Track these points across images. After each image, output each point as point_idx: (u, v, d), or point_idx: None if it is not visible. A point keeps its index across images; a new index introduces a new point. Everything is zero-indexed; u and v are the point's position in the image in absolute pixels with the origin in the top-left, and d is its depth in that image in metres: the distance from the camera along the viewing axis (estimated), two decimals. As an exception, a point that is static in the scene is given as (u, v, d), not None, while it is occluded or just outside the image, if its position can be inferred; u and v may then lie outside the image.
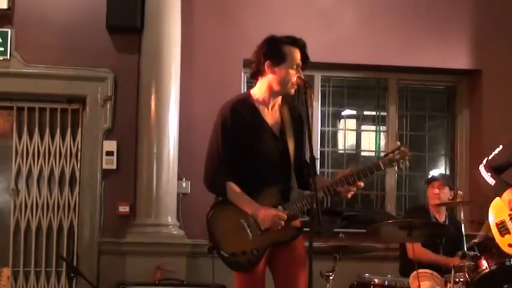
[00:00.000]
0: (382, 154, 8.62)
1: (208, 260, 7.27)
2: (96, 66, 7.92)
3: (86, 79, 7.91)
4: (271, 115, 4.71)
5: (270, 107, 4.71)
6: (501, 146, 5.61)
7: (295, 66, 4.58)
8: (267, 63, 4.63)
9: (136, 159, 7.75)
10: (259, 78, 4.70)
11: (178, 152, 7.74)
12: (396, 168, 4.63)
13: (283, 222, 4.52)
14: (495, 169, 5.59)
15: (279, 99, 4.73)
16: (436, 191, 7.11)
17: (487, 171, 5.59)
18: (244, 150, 4.61)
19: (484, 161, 5.65)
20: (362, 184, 4.59)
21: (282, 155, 4.63)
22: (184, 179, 7.85)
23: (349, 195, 4.60)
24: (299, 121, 4.73)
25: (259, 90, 4.71)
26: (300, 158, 4.71)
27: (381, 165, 4.59)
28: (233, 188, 4.58)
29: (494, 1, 8.56)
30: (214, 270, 7.04)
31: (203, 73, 8.06)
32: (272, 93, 4.67)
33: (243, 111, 4.66)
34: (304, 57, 4.64)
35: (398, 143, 4.66)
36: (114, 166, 7.84)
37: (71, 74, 7.89)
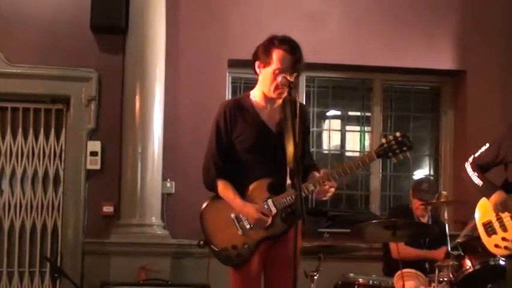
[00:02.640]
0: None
1: (192, 260, 7.37)
2: (81, 66, 7.90)
3: (70, 79, 7.88)
4: (269, 113, 4.72)
5: (268, 106, 4.71)
6: (488, 144, 5.62)
7: (277, 71, 4.55)
8: (257, 63, 4.68)
9: (120, 160, 7.73)
10: (258, 77, 4.74)
11: (163, 152, 7.71)
12: (393, 159, 4.58)
13: (269, 221, 4.54)
14: (481, 167, 5.60)
15: (280, 99, 4.69)
16: (420, 206, 7.08)
17: (474, 171, 5.59)
18: (238, 146, 4.66)
19: (470, 159, 5.65)
20: (333, 190, 4.59)
21: (278, 151, 4.59)
22: (168, 179, 7.84)
23: (325, 198, 4.62)
24: (303, 119, 4.66)
25: (256, 90, 4.76)
26: (304, 155, 4.67)
27: (374, 155, 4.57)
28: (223, 184, 4.66)
29: (478, 2, 8.59)
30: (199, 270, 7.09)
31: (188, 73, 8.05)
32: (265, 94, 4.69)
33: (238, 109, 4.70)
34: (297, 61, 4.59)
35: (398, 133, 4.58)
36: (98, 166, 7.82)
37: (55, 74, 7.85)
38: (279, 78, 4.52)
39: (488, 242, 5.55)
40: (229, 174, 4.68)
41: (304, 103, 8.37)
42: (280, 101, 4.69)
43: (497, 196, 5.43)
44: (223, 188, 4.66)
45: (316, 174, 4.68)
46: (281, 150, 4.58)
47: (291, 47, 4.59)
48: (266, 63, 4.60)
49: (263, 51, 4.63)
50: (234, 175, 4.67)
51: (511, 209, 5.40)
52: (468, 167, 5.63)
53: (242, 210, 4.60)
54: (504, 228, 5.43)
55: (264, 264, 4.75)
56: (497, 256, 6.06)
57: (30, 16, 7.86)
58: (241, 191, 4.65)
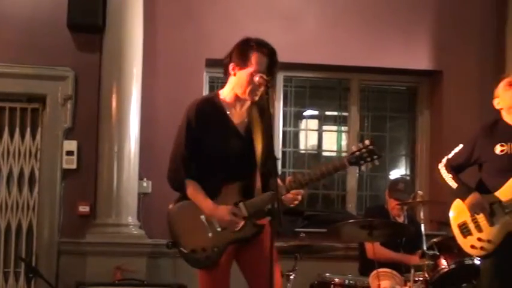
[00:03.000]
0: (343, 154, 8.68)
1: (168, 260, 7.35)
2: (57, 64, 7.85)
3: (46, 78, 7.84)
4: (238, 115, 4.71)
5: (237, 107, 4.71)
6: (461, 145, 5.64)
7: (254, 74, 4.55)
8: (231, 64, 4.64)
9: (96, 159, 7.70)
10: (228, 78, 4.72)
11: (140, 152, 7.70)
12: (363, 167, 4.59)
13: (240, 223, 4.54)
14: (455, 168, 5.61)
15: (247, 100, 4.71)
16: (396, 206, 7.12)
17: (448, 172, 5.60)
18: (208, 148, 4.63)
19: (444, 160, 5.66)
20: (300, 197, 4.61)
21: (246, 154, 4.63)
22: (145, 179, 7.82)
23: (293, 204, 4.62)
24: (268, 121, 4.69)
25: (226, 91, 4.73)
26: (269, 157, 4.68)
27: (346, 163, 4.58)
28: (192, 186, 4.61)
29: (455, 3, 8.62)
30: (175, 270, 7.08)
31: (165, 73, 8.04)
32: (236, 95, 4.68)
33: (208, 110, 4.67)
34: (273, 63, 4.61)
35: (367, 141, 4.60)
36: (74, 166, 7.78)
37: (31, 72, 7.81)
38: (257, 78, 4.52)
39: (464, 243, 5.56)
40: (198, 176, 4.64)
41: (281, 102, 8.43)
42: (248, 103, 4.70)
43: (472, 198, 5.44)
44: (193, 189, 4.62)
45: (279, 181, 4.69)
46: (251, 152, 4.60)
47: (269, 50, 4.61)
48: (243, 66, 4.59)
49: (240, 54, 4.62)
50: (203, 177, 4.63)
51: (486, 210, 5.41)
52: (442, 168, 5.63)
53: (213, 212, 4.56)
54: (479, 228, 5.45)
55: (241, 266, 4.75)
56: (472, 256, 6.10)
57: (6, 14, 7.82)
58: (210, 193, 4.61)
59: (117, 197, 7.56)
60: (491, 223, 5.38)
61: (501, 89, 5.57)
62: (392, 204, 7.16)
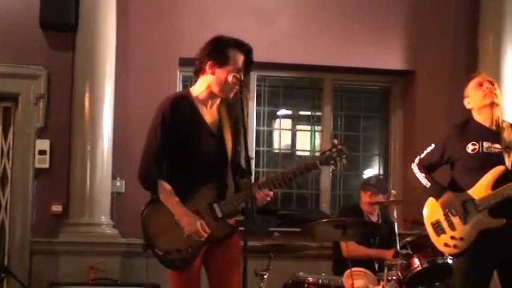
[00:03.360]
0: (317, 154, 8.69)
1: (142, 260, 7.32)
2: (29, 63, 7.80)
3: (18, 76, 7.78)
4: (209, 113, 4.72)
5: (208, 105, 4.71)
6: (433, 145, 5.66)
7: (236, 71, 4.57)
8: (209, 63, 4.63)
9: (69, 158, 7.66)
10: (200, 76, 4.70)
11: (113, 151, 7.67)
12: (333, 166, 4.67)
13: (203, 236, 4.52)
14: (428, 167, 5.64)
15: (218, 98, 4.72)
16: (368, 199, 7.19)
17: (421, 172, 5.62)
18: (181, 147, 4.61)
19: (417, 160, 5.67)
20: (271, 193, 4.65)
21: (219, 153, 4.65)
22: (118, 178, 7.79)
23: (264, 202, 4.65)
24: (237, 120, 4.73)
25: (198, 89, 4.72)
26: (236, 157, 4.72)
27: (318, 163, 4.63)
28: (164, 186, 4.59)
29: (427, 3, 8.67)
30: (149, 269, 7.06)
31: (139, 71, 8.01)
32: (210, 93, 4.67)
33: (181, 108, 4.66)
34: (248, 62, 4.65)
35: (336, 141, 4.69)
36: (47, 165, 7.73)
37: (3, 71, 7.75)
38: (230, 77, 4.53)
39: (438, 241, 5.59)
40: (171, 175, 4.62)
41: (254, 102, 8.43)
42: (218, 101, 4.70)
43: (445, 197, 5.48)
44: (165, 191, 4.59)
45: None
46: (223, 151, 4.61)
47: (246, 47, 4.65)
48: (222, 64, 4.59)
49: (217, 52, 4.61)
50: (177, 176, 4.61)
51: (460, 208, 5.44)
52: (415, 167, 5.66)
53: (181, 219, 4.53)
54: (453, 227, 5.48)
55: (207, 266, 4.75)
56: (445, 255, 6.14)
57: (-23, 12, 7.77)
58: (184, 193, 4.59)
59: (90, 197, 7.53)
60: (465, 221, 5.41)
61: (471, 88, 5.61)
62: (365, 199, 7.21)
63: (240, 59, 4.61)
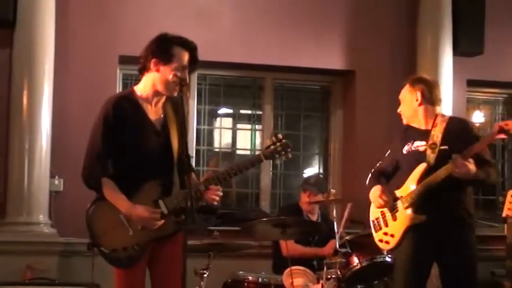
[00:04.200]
0: (257, 153, 8.71)
1: (81, 259, 7.26)
2: (-34, 60, 7.69)
3: (-46, 73, 7.67)
4: (154, 111, 4.71)
5: (153, 103, 4.71)
6: (389, 151, 5.78)
7: (180, 68, 4.57)
8: (153, 60, 4.62)
9: (7, 156, 7.55)
10: (145, 74, 4.69)
11: (51, 149, 7.59)
12: (278, 161, 4.79)
13: (158, 222, 4.52)
14: (381, 172, 5.76)
15: (163, 96, 4.70)
16: (307, 199, 7.23)
17: (370, 175, 5.76)
18: (125, 145, 4.61)
19: (375, 167, 5.83)
20: (220, 193, 4.68)
21: (164, 151, 4.64)
22: (57, 177, 7.71)
23: (213, 201, 4.68)
24: (183, 117, 4.71)
25: (143, 87, 4.71)
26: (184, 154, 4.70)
27: (262, 157, 4.68)
28: (108, 184, 4.58)
29: (367, 4, 8.74)
30: (89, 269, 6.99)
31: (78, 69, 7.93)
32: (155, 91, 4.67)
33: (125, 106, 4.65)
34: (194, 60, 4.66)
35: (279, 135, 4.75)
36: (-17, 163, 7.63)
37: None
38: (170, 76, 4.52)
39: (375, 237, 5.73)
40: (115, 174, 4.62)
41: (195, 100, 8.42)
42: (163, 99, 4.69)
43: (372, 192, 5.59)
44: (109, 188, 4.59)
45: (194, 176, 4.74)
46: (167, 149, 4.60)
47: (191, 45, 4.67)
48: (166, 61, 4.58)
49: (162, 49, 4.61)
50: (121, 174, 4.61)
51: (386, 203, 5.54)
52: (370, 174, 5.79)
53: (131, 212, 4.54)
54: (386, 223, 5.61)
55: (151, 264, 4.73)
56: (383, 253, 6.22)
57: None
58: (129, 192, 4.59)
59: (28, 195, 7.44)
60: (394, 218, 5.52)
61: (402, 99, 5.72)
62: (304, 199, 7.26)
63: (185, 56, 4.62)
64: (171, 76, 4.54)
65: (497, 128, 5.17)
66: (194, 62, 4.68)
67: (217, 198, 4.70)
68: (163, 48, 4.61)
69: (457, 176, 5.18)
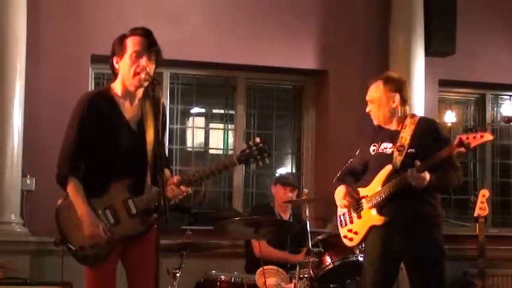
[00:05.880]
0: (230, 152, 8.73)
1: (54, 258, 7.22)
2: None
3: None
4: (130, 109, 4.69)
5: (129, 100, 4.68)
6: (359, 150, 5.79)
7: (133, 55, 4.55)
8: (114, 58, 4.65)
9: (-22, 155, 7.51)
10: (117, 75, 4.69)
11: (23, 149, 7.54)
12: (253, 165, 4.71)
13: (101, 241, 4.52)
14: (350, 171, 5.77)
15: (140, 92, 4.68)
16: (290, 194, 7.24)
17: (339, 173, 5.78)
18: (98, 143, 4.59)
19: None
20: (190, 190, 4.66)
21: (138, 149, 4.61)
22: (28, 176, 7.67)
23: (178, 198, 4.66)
24: (160, 115, 4.68)
25: (117, 85, 4.70)
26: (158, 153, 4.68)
27: (236, 161, 4.63)
28: (73, 183, 4.57)
29: (338, 3, 8.77)
30: (61, 268, 6.96)
31: (50, 68, 7.89)
32: (126, 89, 4.65)
33: (99, 104, 4.63)
34: (150, 44, 4.60)
35: (258, 139, 4.66)
36: (-46, 162, 7.57)
37: None
38: (143, 75, 4.50)
39: (341, 233, 5.76)
40: (86, 172, 4.60)
41: (167, 100, 8.40)
42: (140, 96, 4.68)
43: (337, 192, 5.61)
44: (74, 189, 4.57)
45: (168, 172, 4.72)
46: (141, 148, 4.59)
47: (142, 30, 4.64)
48: (122, 54, 4.60)
49: (118, 44, 4.64)
50: (92, 172, 4.60)
51: (349, 202, 5.57)
52: (339, 172, 5.81)
53: (82, 219, 4.52)
54: (351, 220, 5.64)
55: (124, 263, 4.73)
56: (356, 253, 6.25)
57: None
58: (98, 190, 4.58)
59: (-1, 194, 7.41)
60: (359, 216, 5.55)
61: (373, 100, 5.73)
62: (279, 193, 7.27)
63: (136, 41, 4.59)
64: (143, 76, 4.51)
65: (458, 141, 5.10)
66: (153, 45, 4.60)
67: (182, 196, 4.67)
68: (118, 44, 4.63)
69: (413, 185, 5.22)
